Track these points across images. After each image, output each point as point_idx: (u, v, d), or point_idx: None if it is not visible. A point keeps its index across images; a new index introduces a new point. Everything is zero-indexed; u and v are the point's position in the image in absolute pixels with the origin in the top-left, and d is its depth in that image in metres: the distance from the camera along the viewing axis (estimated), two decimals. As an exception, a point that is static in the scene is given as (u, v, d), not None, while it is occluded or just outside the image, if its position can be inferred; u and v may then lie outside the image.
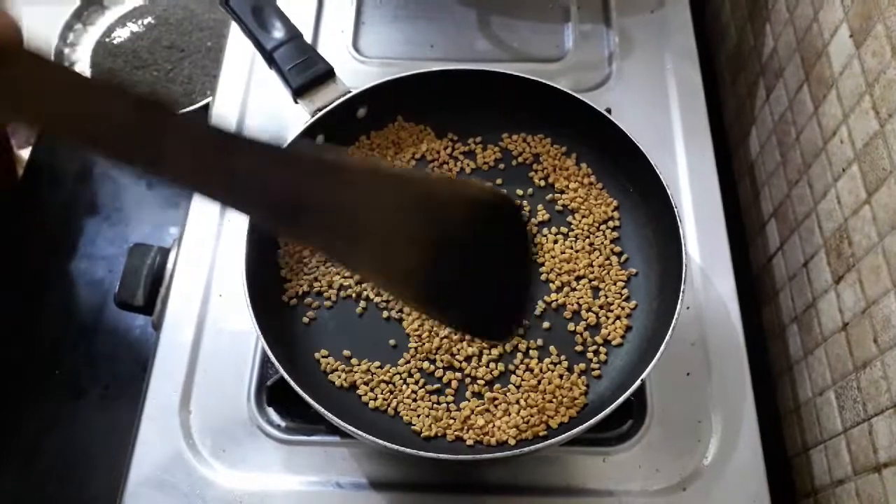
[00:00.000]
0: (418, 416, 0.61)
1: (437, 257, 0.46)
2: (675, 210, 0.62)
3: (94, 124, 0.35)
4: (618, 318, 0.65)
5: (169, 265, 0.71)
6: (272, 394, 0.65)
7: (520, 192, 0.72)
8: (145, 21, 1.04)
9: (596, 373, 0.63)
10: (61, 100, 0.34)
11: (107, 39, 1.04)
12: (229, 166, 0.39)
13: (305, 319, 0.65)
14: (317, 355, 0.64)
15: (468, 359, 0.63)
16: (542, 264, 0.67)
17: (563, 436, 0.55)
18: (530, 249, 0.53)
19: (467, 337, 0.64)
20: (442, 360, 0.63)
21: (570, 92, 0.69)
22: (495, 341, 0.62)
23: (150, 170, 0.39)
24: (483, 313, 0.53)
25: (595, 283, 0.67)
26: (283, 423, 0.65)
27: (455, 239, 0.46)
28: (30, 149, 1.03)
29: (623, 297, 0.66)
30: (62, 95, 0.34)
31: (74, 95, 0.34)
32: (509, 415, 0.61)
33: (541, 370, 0.63)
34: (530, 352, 0.63)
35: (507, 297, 0.53)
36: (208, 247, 0.72)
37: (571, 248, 0.68)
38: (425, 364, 0.63)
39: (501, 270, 0.51)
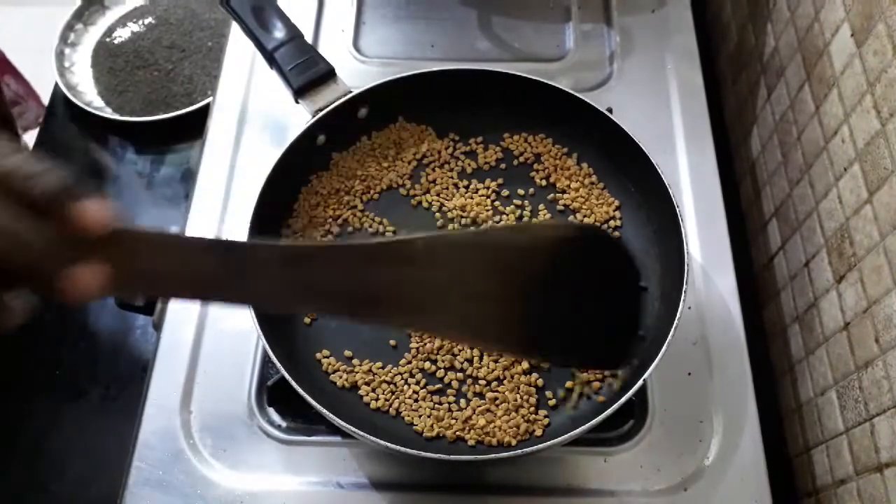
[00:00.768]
0: (420, 416, 0.61)
1: (524, 307, 0.45)
2: (677, 209, 0.62)
3: (181, 278, 0.39)
4: (619, 317, 0.65)
5: (170, 265, 0.71)
6: (273, 394, 0.65)
7: (521, 191, 0.72)
8: (146, 21, 1.04)
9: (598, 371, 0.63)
10: (157, 264, 0.37)
11: (107, 39, 1.03)
12: (301, 281, 0.41)
13: (307, 320, 0.65)
14: (318, 355, 0.64)
15: (469, 359, 0.63)
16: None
17: (565, 436, 0.55)
18: (631, 270, 0.50)
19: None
20: (443, 361, 0.63)
21: (571, 91, 0.69)
22: (612, 370, 0.59)
23: (237, 301, 0.45)
24: (592, 345, 0.51)
25: (596, 282, 0.67)
26: (283, 424, 0.65)
27: (539, 283, 0.45)
28: (36, 132, 1.02)
29: (624, 296, 0.66)
30: (156, 260, 0.37)
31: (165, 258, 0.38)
32: (510, 415, 0.61)
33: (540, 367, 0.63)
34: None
35: (614, 322, 0.50)
36: (209, 247, 0.72)
37: (572, 247, 0.68)
38: (427, 364, 0.63)
39: (601, 299, 0.49)
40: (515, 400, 0.61)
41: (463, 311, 0.44)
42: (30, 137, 1.05)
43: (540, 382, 0.62)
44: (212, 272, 0.38)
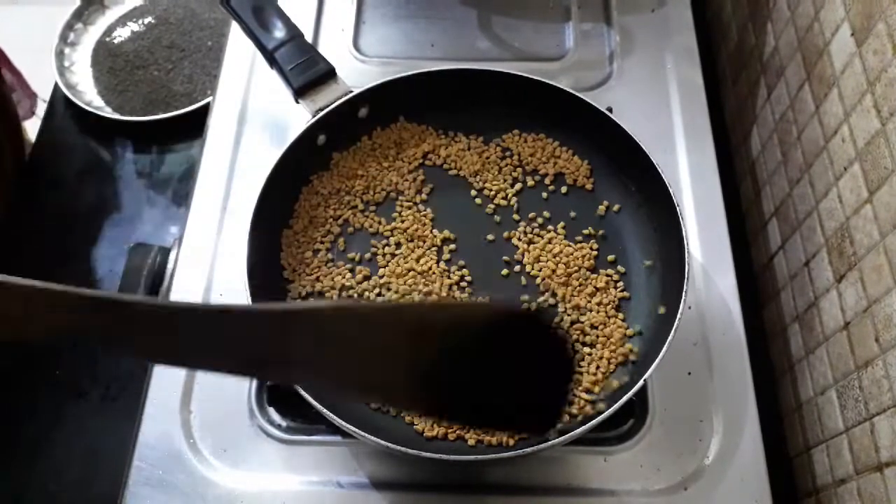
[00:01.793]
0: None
1: (434, 377, 0.43)
2: (677, 209, 0.62)
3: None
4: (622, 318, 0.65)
5: (170, 265, 0.71)
6: (273, 393, 0.65)
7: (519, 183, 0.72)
8: (146, 21, 1.04)
9: (598, 371, 0.63)
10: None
11: (107, 39, 1.03)
12: (196, 342, 0.40)
13: (306, 319, 0.65)
14: (318, 355, 0.64)
15: (469, 358, 0.63)
16: (544, 264, 0.67)
17: (565, 436, 0.55)
18: (563, 347, 0.46)
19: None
20: (443, 360, 0.63)
21: (571, 91, 0.69)
22: (531, 434, 0.57)
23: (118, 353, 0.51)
24: (509, 414, 0.49)
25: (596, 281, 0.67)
26: (284, 423, 0.65)
27: (453, 357, 0.43)
28: (29, 122, 1.02)
29: (625, 296, 0.66)
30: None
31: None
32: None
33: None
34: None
35: (539, 394, 0.48)
36: (209, 246, 0.72)
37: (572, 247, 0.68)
38: (426, 364, 0.63)
39: (524, 374, 0.46)
40: (515, 399, 0.61)
41: (370, 377, 0.43)
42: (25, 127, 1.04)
43: (540, 382, 0.62)
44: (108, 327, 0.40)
